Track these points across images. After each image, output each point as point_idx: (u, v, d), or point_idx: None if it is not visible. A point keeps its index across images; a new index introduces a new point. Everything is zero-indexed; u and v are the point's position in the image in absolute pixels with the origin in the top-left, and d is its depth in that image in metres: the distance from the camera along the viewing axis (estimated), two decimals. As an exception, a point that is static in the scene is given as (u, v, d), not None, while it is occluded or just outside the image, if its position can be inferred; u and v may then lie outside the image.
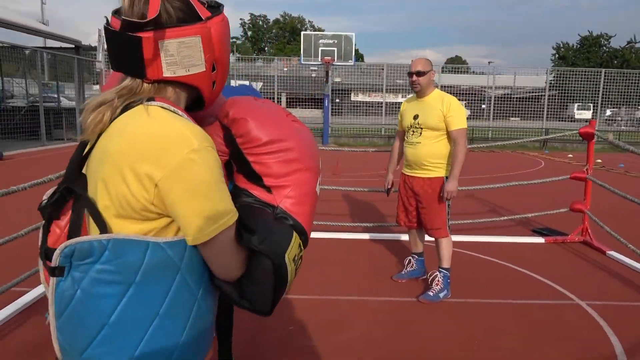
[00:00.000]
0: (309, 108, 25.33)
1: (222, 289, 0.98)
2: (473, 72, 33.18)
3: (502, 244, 4.82)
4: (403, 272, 3.83)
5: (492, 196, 7.30)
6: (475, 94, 25.10)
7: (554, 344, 2.82)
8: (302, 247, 1.01)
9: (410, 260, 3.85)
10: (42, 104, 13.67)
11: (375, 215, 5.93)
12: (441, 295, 3.42)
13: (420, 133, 3.43)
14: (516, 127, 20.08)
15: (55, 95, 16.12)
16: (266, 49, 65.01)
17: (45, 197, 0.97)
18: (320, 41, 14.99)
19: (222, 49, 0.96)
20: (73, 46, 16.52)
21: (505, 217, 5.52)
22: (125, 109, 0.90)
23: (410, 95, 3.66)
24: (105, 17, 0.93)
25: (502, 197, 7.21)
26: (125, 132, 0.87)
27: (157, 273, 0.88)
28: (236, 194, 1.01)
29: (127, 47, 0.88)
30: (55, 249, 0.88)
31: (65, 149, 12.55)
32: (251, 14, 68.78)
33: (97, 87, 21.49)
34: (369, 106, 21.65)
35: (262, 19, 67.16)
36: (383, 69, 18.21)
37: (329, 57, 14.91)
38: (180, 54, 0.90)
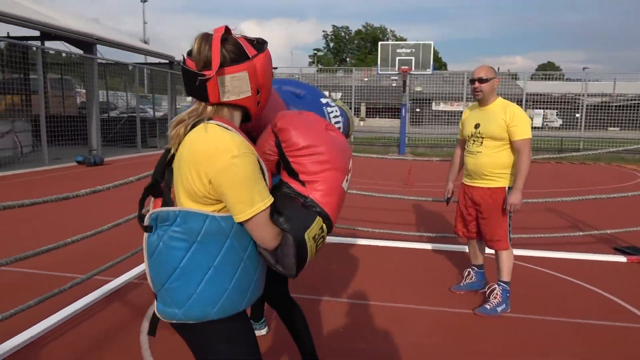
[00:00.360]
0: (387, 118, 25.24)
1: (262, 255, 1.32)
2: (568, 78, 31.08)
3: (578, 261, 4.54)
4: (462, 284, 3.76)
5: (574, 210, 6.86)
6: (568, 102, 23.48)
7: (619, 368, 2.64)
8: (324, 229, 1.32)
9: (469, 272, 3.77)
10: (139, 115, 14.97)
11: (440, 225, 5.83)
12: (499, 309, 3.32)
13: (481, 142, 3.36)
14: (614, 137, 18.48)
15: (151, 107, 17.59)
16: (348, 59, 65.71)
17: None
18: (398, 50, 14.95)
19: (264, 78, 1.31)
20: (167, 61, 17.91)
21: (583, 233, 5.18)
22: (195, 125, 1.28)
23: (472, 103, 3.60)
24: (183, 55, 1.32)
25: (585, 212, 6.75)
26: (191, 144, 1.25)
27: (213, 237, 1.25)
28: (280, 185, 1.35)
29: (196, 81, 1.26)
30: None
31: (157, 155, 13.63)
32: (334, 26, 69.97)
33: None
34: (451, 115, 21.04)
35: (344, 30, 68.04)
36: (463, 77, 17.67)
37: (407, 67, 14.82)
38: (232, 85, 1.27)
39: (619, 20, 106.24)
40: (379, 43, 15.62)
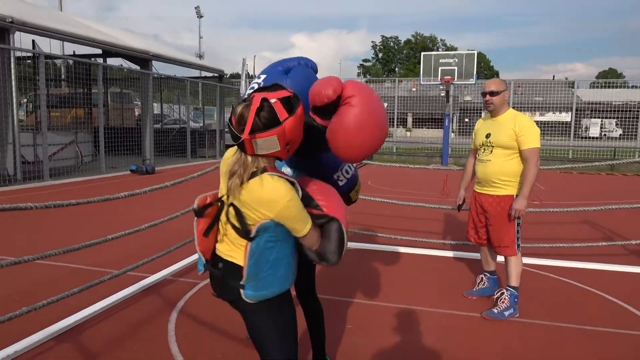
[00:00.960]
0: (434, 128, 25.01)
1: (310, 256, 1.80)
2: (634, 86, 29.47)
3: (604, 272, 4.50)
4: (474, 289, 3.86)
5: (611, 221, 6.69)
6: (630, 110, 22.35)
7: (617, 373, 2.69)
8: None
9: (482, 278, 3.87)
10: (189, 126, 15.78)
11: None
12: (506, 313, 3.41)
13: (491, 151, 3.49)
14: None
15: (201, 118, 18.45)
16: (396, 69, 65.56)
17: (195, 204, 1.78)
18: (441, 60, 14.95)
19: (293, 134, 1.66)
20: (217, 75, 18.77)
21: (617, 243, 5.09)
22: (252, 175, 1.64)
23: (486, 115, 3.72)
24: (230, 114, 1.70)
25: (624, 223, 6.56)
26: (251, 192, 1.64)
27: (284, 237, 1.70)
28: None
29: (236, 138, 1.64)
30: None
31: (205, 165, 14.26)
32: (382, 36, 70.12)
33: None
34: None
35: (394, 40, 68.07)
36: (510, 85, 17.33)
37: (449, 77, 14.79)
38: (264, 144, 1.62)
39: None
40: (422, 53, 15.70)
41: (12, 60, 9.68)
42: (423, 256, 4.98)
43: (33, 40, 12.52)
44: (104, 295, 3.56)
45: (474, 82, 15.19)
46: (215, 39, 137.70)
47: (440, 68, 14.87)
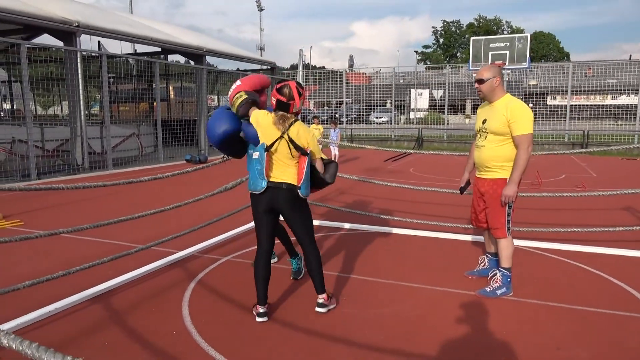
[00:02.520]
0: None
1: (320, 176, 3.29)
2: None
3: (617, 257, 4.44)
4: (475, 270, 3.98)
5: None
6: None
7: (593, 347, 2.77)
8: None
9: (483, 259, 3.98)
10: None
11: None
12: (498, 292, 3.53)
13: (486, 137, 3.57)
14: None
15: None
16: (458, 55, 63.59)
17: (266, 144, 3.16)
18: (491, 45, 14.54)
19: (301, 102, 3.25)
20: (269, 67, 19.36)
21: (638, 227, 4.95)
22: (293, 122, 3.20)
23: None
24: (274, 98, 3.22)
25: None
26: (295, 128, 3.15)
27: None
28: None
29: (286, 105, 3.18)
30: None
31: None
32: (443, 21, 68.10)
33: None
34: (571, 110, 19.34)
35: (456, 24, 65.95)
36: (569, 69, 16.49)
37: (500, 61, 14.35)
38: (295, 107, 3.22)
39: None
40: (472, 38, 15.34)
41: (78, 60, 10.67)
42: (434, 239, 5.12)
43: (99, 42, 13.63)
44: (134, 268, 4.06)
45: (527, 66, 14.64)
46: (276, 31, 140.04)
47: (490, 53, 14.48)
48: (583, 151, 5.12)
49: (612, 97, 23.86)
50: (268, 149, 3.10)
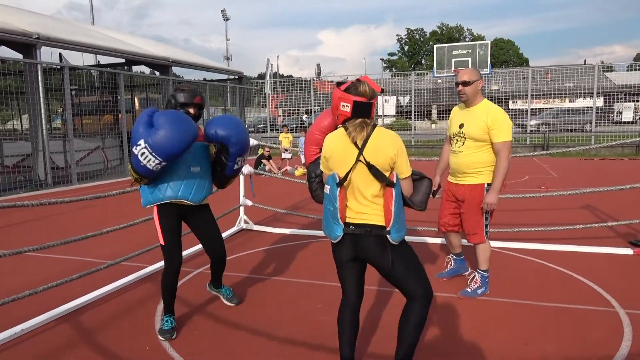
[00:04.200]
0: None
1: (407, 200, 2.34)
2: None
3: (583, 254, 4.63)
4: (445, 272, 4.08)
5: (606, 205, 6.71)
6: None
7: (558, 341, 2.88)
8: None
9: (449, 259, 4.08)
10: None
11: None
12: (479, 292, 3.64)
13: (464, 142, 3.55)
14: None
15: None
16: (423, 61, 64.88)
17: (336, 178, 2.30)
18: (454, 52, 14.95)
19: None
20: (237, 77, 19.30)
21: (599, 225, 5.18)
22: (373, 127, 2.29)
23: (461, 103, 3.71)
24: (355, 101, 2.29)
25: (619, 206, 6.58)
26: (377, 137, 2.26)
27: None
28: None
29: (367, 108, 2.26)
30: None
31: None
32: (408, 29, 69.47)
33: (265, 109, 24.56)
34: (532, 113, 19.95)
35: (419, 32, 67.32)
36: (528, 74, 17.09)
37: (462, 68, 14.75)
38: (375, 108, 2.34)
39: None
40: (435, 46, 15.72)
41: (39, 73, 10.38)
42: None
43: (60, 53, 13.29)
44: (103, 284, 3.98)
45: (488, 72, 15.10)
46: (243, 40, 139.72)
47: (453, 60, 14.87)
48: (544, 153, 5.32)
49: (570, 100, 24.85)
50: (342, 182, 2.27)
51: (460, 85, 3.52)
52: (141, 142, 2.75)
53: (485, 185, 3.53)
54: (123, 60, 15.93)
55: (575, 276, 4.04)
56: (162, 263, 4.53)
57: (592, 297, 3.59)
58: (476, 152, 3.51)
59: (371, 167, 2.22)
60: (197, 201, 3.12)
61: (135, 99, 19.64)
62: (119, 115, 16.55)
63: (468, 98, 3.54)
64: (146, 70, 17.47)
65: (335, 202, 2.26)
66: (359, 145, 2.24)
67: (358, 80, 2.28)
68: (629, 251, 4.62)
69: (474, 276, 3.72)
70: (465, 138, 3.55)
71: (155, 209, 3.10)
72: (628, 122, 23.31)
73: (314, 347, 2.92)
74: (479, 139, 3.47)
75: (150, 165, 2.77)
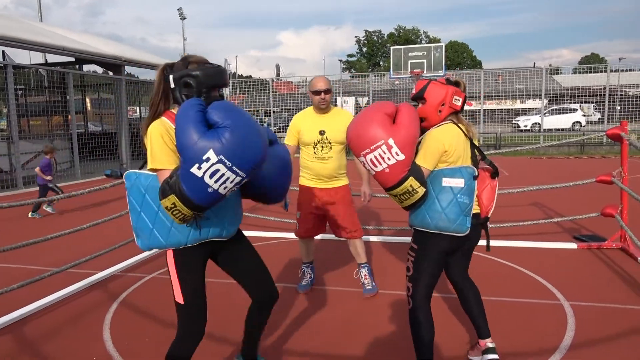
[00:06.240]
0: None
1: None
2: (615, 70, 29.68)
3: (532, 249, 4.81)
4: (306, 283, 3.90)
5: (553, 202, 7.01)
6: (610, 94, 22.63)
7: (508, 334, 2.97)
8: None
9: (307, 270, 3.96)
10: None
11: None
12: (374, 283, 3.80)
13: (331, 148, 3.57)
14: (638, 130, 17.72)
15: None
16: (381, 63, 65.84)
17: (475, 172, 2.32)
18: (410, 54, 15.24)
19: None
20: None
21: (547, 221, 5.40)
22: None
23: (305, 110, 3.74)
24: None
25: (563, 203, 6.89)
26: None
27: None
28: None
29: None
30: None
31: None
32: (366, 31, 70.29)
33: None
34: (484, 114, 20.54)
35: (377, 34, 68.28)
36: (481, 76, 17.65)
37: (419, 70, 15.07)
38: None
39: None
40: (391, 48, 15.99)
41: (-21, 72, 9.84)
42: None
43: (3, 51, 12.65)
44: (49, 293, 3.79)
45: (443, 74, 15.47)
46: (201, 40, 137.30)
47: (409, 61, 15.16)
48: (496, 152, 5.48)
49: (521, 102, 25.87)
50: (478, 175, 2.33)
51: (323, 94, 3.52)
52: (211, 155, 1.72)
53: (349, 185, 3.75)
54: (73, 59, 15.32)
55: (523, 271, 4.19)
56: (113, 269, 4.42)
57: (539, 291, 3.73)
58: (341, 155, 3.64)
59: (485, 157, 2.44)
60: (233, 233, 2.16)
61: (87, 100, 18.94)
62: (69, 117, 15.96)
63: (327, 104, 3.61)
64: (99, 69, 16.87)
65: (473, 195, 2.28)
66: (472, 138, 2.39)
67: (449, 77, 2.42)
68: (573, 245, 4.83)
69: (363, 272, 3.80)
70: (331, 143, 3.58)
71: (171, 254, 2.05)
72: (575, 122, 24.60)
73: (267, 350, 2.89)
74: (342, 142, 3.57)
75: (225, 187, 1.78)
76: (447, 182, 2.25)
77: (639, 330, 3.01)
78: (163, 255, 5.01)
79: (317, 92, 3.51)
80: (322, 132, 3.56)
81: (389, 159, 2.12)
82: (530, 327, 3.10)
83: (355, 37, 70.99)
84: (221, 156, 1.71)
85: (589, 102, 25.40)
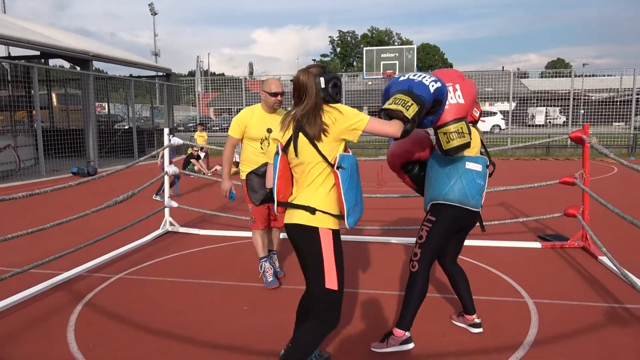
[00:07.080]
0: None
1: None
2: (579, 75, 30.69)
3: (498, 249, 4.92)
4: (274, 279, 3.99)
5: (520, 203, 7.20)
6: (574, 99, 23.35)
7: (480, 333, 3.03)
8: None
9: (264, 265, 4.04)
10: (135, 126, 15.61)
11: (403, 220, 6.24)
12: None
13: (268, 144, 3.61)
14: (601, 133, 18.36)
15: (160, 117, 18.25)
16: (354, 63, 66.19)
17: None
18: (382, 55, 15.37)
19: None
20: (164, 74, 18.62)
21: (512, 221, 5.53)
22: None
23: (252, 107, 3.88)
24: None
25: (530, 204, 7.08)
26: None
27: None
28: None
29: None
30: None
31: (152, 164, 13.95)
32: (339, 31, 70.50)
33: (195, 108, 23.84)
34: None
35: (351, 34, 68.58)
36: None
37: (391, 71, 15.23)
38: None
39: (634, 13, 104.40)
40: (364, 49, 16.10)
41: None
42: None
43: (-38, 43, 12.13)
44: (10, 294, 3.67)
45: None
46: (173, 36, 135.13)
47: (382, 62, 15.29)
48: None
49: (490, 104, 26.46)
50: (489, 165, 2.93)
51: (279, 96, 3.75)
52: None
53: None
54: (38, 53, 14.85)
55: (489, 269, 4.29)
56: (78, 269, 4.30)
57: (505, 289, 3.83)
58: None
59: (489, 156, 2.98)
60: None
61: (53, 95, 18.39)
62: (34, 112, 15.45)
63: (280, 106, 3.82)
64: (66, 64, 16.38)
65: (486, 179, 2.84)
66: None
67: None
68: (537, 245, 4.98)
69: (275, 257, 4.22)
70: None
71: (329, 238, 2.28)
72: (540, 125, 25.34)
73: (236, 350, 2.88)
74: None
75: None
76: (469, 165, 2.77)
77: (598, 326, 3.12)
78: (130, 255, 4.92)
79: (275, 94, 3.73)
80: (269, 130, 3.75)
81: (451, 98, 2.59)
82: (495, 324, 3.17)
83: (329, 37, 71.27)
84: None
85: (554, 106, 26.29)
